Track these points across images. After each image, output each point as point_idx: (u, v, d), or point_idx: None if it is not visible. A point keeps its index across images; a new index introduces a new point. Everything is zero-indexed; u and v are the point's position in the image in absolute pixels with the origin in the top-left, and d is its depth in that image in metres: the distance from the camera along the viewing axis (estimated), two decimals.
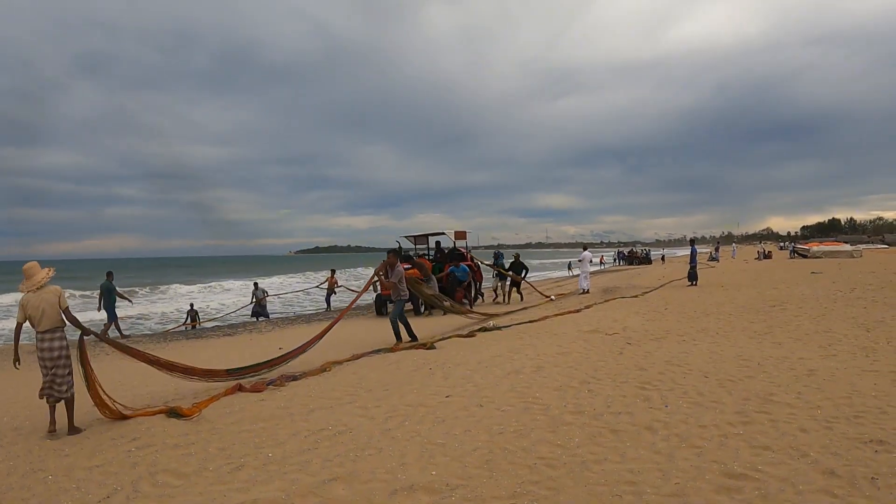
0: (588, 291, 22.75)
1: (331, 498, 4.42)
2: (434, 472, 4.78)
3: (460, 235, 23.91)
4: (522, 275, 24.15)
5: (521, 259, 24.05)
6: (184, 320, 23.75)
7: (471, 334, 12.48)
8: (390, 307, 14.02)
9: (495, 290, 24.71)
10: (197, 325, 22.77)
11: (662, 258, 68.15)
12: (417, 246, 25.09)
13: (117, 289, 18.90)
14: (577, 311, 15.81)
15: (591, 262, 24.46)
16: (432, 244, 24.79)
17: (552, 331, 12.01)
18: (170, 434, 6.41)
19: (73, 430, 6.94)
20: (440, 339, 11.96)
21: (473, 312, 17.58)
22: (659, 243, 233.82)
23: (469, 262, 22.56)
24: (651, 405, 6.31)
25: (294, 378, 9.04)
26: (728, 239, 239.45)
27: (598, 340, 10.37)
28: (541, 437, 5.49)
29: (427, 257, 23.70)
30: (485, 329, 13.13)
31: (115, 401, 7.26)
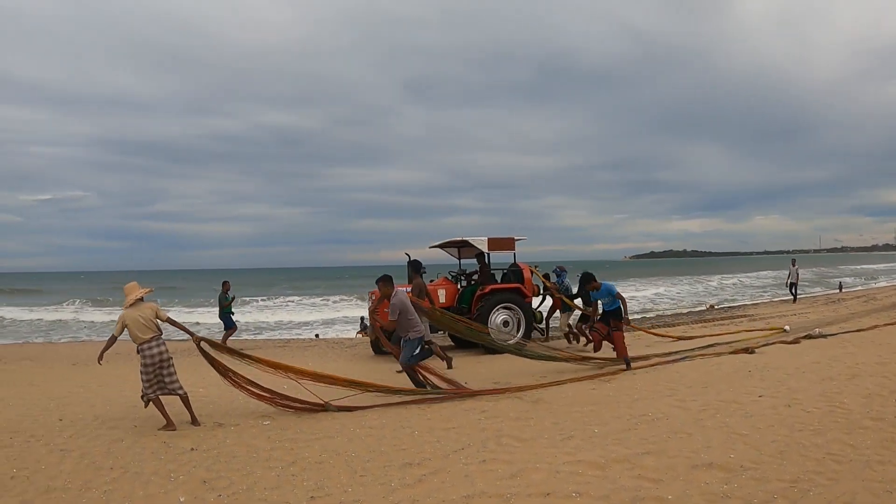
0: None
1: (640, 465, 5.16)
2: (732, 456, 5.28)
3: (499, 245, 14.92)
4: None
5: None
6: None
7: (795, 341, 12.18)
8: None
9: (569, 328, 14.72)
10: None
11: None
12: (463, 260, 16.65)
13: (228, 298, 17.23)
14: None
15: None
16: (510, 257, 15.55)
17: (878, 341, 11.36)
18: (513, 409, 7.59)
19: (195, 421, 7.51)
20: (763, 345, 11.99)
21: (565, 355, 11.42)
22: None
23: (519, 285, 14.58)
24: None
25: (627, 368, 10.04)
26: None
27: None
28: (835, 437, 5.69)
29: (450, 277, 15.68)
30: (810, 336, 12.83)
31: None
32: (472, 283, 15.27)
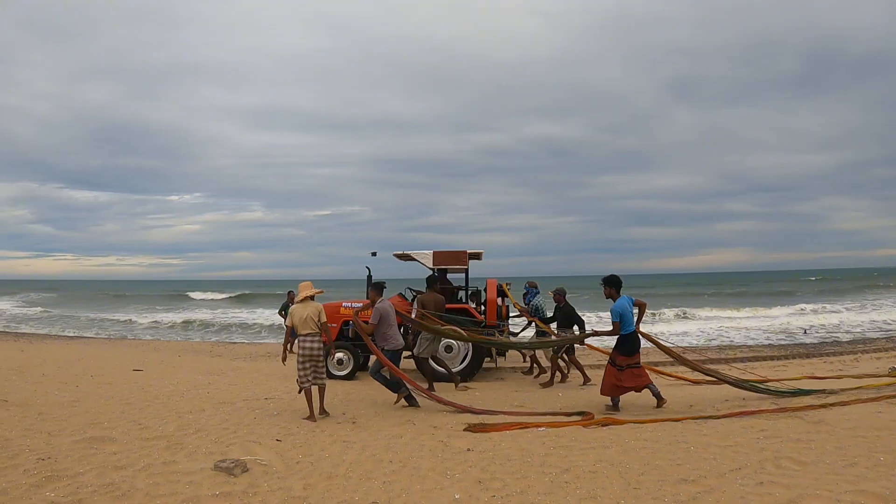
0: None
1: None
2: None
3: (447, 259, 12.89)
4: (576, 332, 11.56)
5: (569, 302, 12.01)
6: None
7: None
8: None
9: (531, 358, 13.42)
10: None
11: None
12: (437, 270, 13.40)
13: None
14: None
15: None
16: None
17: None
18: (793, 430, 7.04)
19: (322, 411, 8.27)
20: None
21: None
22: None
23: (466, 306, 12.85)
24: None
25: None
26: None
27: None
28: None
29: (406, 294, 13.51)
30: None
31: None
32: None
